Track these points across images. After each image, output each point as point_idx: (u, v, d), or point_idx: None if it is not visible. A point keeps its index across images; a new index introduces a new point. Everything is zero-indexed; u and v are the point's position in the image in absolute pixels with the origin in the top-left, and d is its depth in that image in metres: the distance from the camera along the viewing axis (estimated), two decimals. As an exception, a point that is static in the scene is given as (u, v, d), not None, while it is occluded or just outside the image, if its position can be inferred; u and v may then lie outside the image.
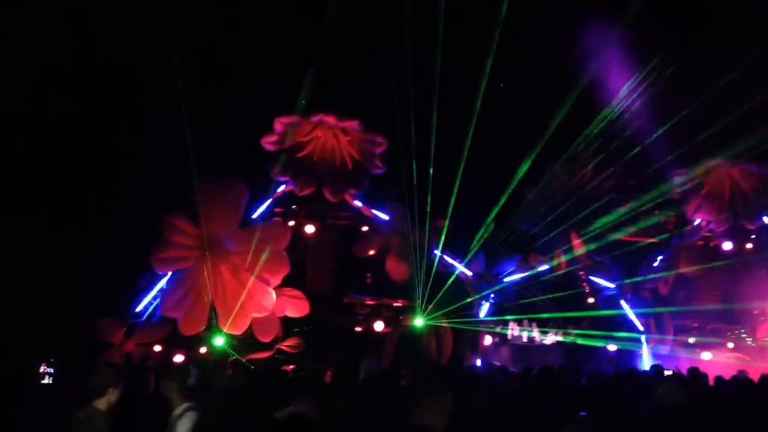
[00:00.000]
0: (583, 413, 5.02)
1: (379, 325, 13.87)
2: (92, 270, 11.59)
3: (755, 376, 8.22)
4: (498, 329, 15.45)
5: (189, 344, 12.36)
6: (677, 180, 15.31)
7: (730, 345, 15.31)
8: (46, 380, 7.40)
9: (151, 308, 12.78)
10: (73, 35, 11.74)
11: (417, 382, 4.07)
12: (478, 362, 14.02)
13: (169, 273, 12.30)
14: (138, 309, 12.82)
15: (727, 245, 15.84)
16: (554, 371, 7.43)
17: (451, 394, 3.74)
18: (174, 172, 12.29)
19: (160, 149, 12.80)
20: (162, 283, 12.61)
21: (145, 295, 12.86)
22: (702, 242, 16.56)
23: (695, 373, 8.61)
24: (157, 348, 12.33)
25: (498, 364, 13.66)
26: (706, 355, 14.42)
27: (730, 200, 15.64)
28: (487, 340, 14.88)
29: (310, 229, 14.40)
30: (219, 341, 12.43)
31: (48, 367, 7.63)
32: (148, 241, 11.77)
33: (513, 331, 15.44)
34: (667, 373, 8.41)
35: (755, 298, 15.05)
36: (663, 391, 5.15)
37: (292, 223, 14.16)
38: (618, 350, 14.68)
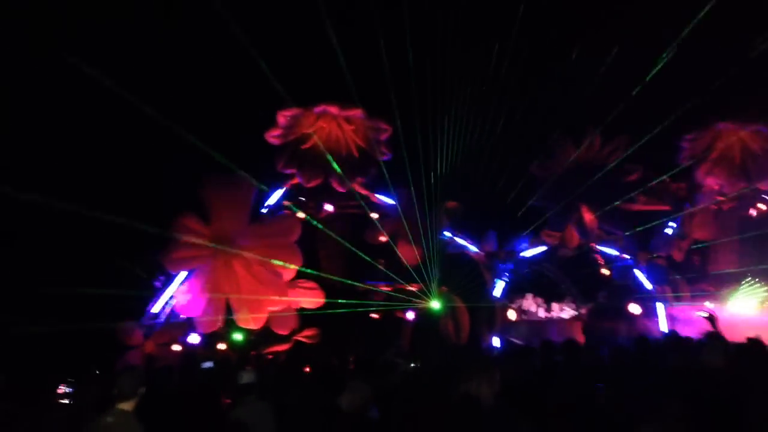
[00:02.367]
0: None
1: (410, 315, 13.95)
2: (107, 274, 11.64)
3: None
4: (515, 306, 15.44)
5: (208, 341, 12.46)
6: (686, 145, 15.20)
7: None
8: (66, 400, 7.39)
9: (168, 308, 12.84)
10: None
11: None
12: (496, 340, 14.01)
13: (184, 272, 12.36)
14: (155, 310, 12.88)
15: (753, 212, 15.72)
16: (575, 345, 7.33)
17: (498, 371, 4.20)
18: (182, 171, 12.33)
19: (168, 149, 12.83)
20: (177, 283, 12.67)
21: (160, 296, 12.92)
22: (715, 206, 16.43)
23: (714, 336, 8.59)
24: (176, 347, 12.39)
25: (517, 341, 13.65)
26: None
27: (741, 163, 15.47)
28: (512, 314, 14.82)
29: (328, 207, 14.46)
30: (237, 336, 12.52)
31: (68, 387, 7.62)
32: (160, 243, 11.81)
33: (530, 307, 15.43)
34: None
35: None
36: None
37: (301, 215, 14.19)
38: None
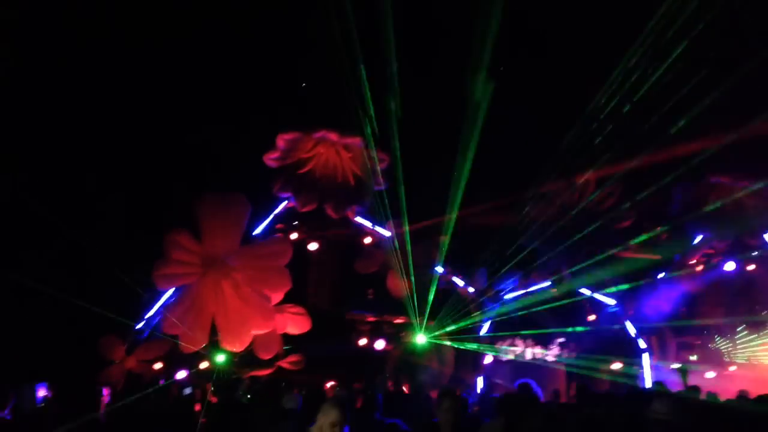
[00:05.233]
0: None
1: (380, 344, 13.88)
2: (94, 286, 11.54)
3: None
4: (499, 347, 15.40)
5: (190, 361, 12.33)
6: (678, 198, 15.29)
7: (733, 368, 15.16)
8: (42, 403, 7.23)
9: (153, 325, 12.73)
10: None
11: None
12: (480, 380, 13.96)
13: (171, 289, 12.28)
14: (139, 326, 12.77)
15: (730, 265, 15.70)
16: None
17: None
18: (177, 188, 12.32)
19: (163, 165, 12.84)
20: (164, 300, 12.58)
21: (147, 312, 12.82)
22: (704, 259, 16.51)
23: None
24: (158, 365, 12.27)
25: (499, 382, 13.61)
26: (708, 374, 14.37)
27: (732, 217, 15.55)
28: (488, 359, 14.80)
29: (312, 246, 14.39)
30: (220, 358, 12.41)
31: (47, 390, 7.47)
32: (150, 258, 11.75)
33: (514, 349, 15.37)
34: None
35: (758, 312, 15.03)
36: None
37: (294, 236, 14.15)
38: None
